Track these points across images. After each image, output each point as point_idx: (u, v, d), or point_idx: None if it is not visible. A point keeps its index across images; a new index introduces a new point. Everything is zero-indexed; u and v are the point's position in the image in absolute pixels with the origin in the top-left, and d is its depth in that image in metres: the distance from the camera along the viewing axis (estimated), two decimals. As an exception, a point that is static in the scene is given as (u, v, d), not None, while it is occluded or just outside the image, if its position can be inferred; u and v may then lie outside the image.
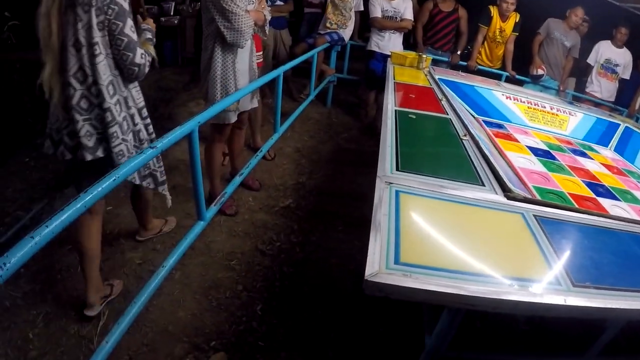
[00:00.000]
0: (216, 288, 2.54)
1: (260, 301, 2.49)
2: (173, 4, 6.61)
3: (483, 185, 1.71)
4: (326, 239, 3.07)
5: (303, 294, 2.58)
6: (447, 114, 2.60)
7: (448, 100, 2.89)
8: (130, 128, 2.09)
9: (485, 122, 3.64)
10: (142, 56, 1.98)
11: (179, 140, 1.92)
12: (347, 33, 5.14)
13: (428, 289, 1.09)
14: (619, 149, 4.23)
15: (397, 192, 1.49)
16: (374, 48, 5.05)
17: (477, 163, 1.91)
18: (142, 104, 2.20)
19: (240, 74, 2.86)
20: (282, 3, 4.90)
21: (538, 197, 2.29)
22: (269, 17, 2.96)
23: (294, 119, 3.86)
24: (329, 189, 3.74)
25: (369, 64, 5.10)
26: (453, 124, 2.41)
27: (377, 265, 1.12)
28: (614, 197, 2.80)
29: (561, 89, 5.60)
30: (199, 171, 2.18)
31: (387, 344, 2.32)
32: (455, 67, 5.24)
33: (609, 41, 5.57)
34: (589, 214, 1.74)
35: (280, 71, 3.29)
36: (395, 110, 2.41)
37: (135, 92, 2.14)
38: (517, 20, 5.23)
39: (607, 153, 4.08)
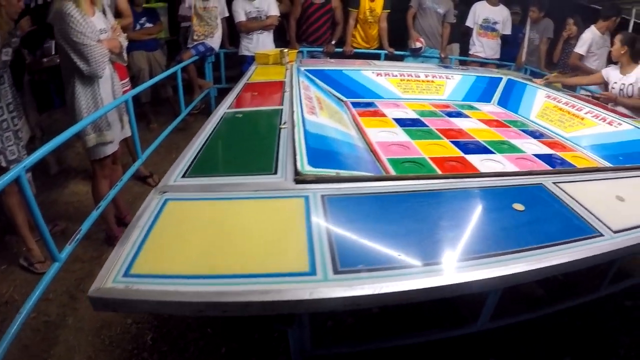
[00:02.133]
0: (107, 327, 2.46)
1: (150, 331, 2.43)
2: (53, 42, 6.21)
3: (275, 173, 1.54)
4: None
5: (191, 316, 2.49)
6: (282, 105, 2.42)
7: (291, 91, 2.72)
8: None
9: (353, 103, 3.55)
10: None
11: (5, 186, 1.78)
12: (215, 42, 4.95)
13: (147, 299, 0.98)
14: (502, 102, 4.25)
15: (165, 201, 1.32)
16: (245, 52, 4.89)
17: (282, 150, 1.74)
18: (10, 100, 2.74)
19: (105, 104, 2.78)
20: (150, 25, 4.76)
21: (392, 172, 2.17)
22: (125, 44, 2.93)
23: (160, 142, 3.60)
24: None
25: (242, 69, 4.84)
26: (280, 115, 2.24)
27: (103, 281, 1.01)
28: (487, 151, 2.78)
29: (443, 56, 5.58)
30: (38, 213, 2.02)
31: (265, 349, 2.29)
32: (332, 56, 5.08)
33: (484, 1, 5.60)
34: (389, 179, 1.67)
35: (129, 95, 3.09)
36: (225, 112, 2.23)
37: (4, 91, 2.69)
38: (386, -3, 5.13)
39: (490, 108, 4.08)
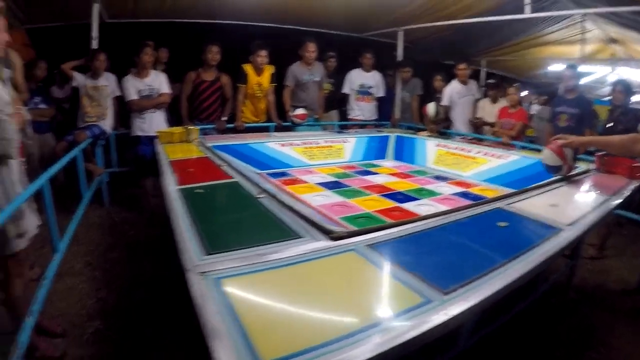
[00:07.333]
0: None
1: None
2: None
3: (302, 237, 1.58)
4: (154, 349, 2.63)
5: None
6: (234, 178, 2.46)
7: (229, 164, 2.74)
8: None
9: (269, 174, 3.67)
10: None
11: None
12: (107, 124, 4.78)
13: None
14: (397, 156, 4.62)
15: (216, 280, 1.23)
16: (138, 133, 4.72)
17: (284, 217, 1.78)
18: None
19: (18, 187, 2.32)
20: (45, 106, 4.53)
21: (354, 227, 2.25)
22: (28, 117, 2.65)
23: (73, 231, 3.32)
24: (136, 293, 3.26)
25: (137, 151, 4.73)
26: (243, 186, 2.28)
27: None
28: (414, 199, 3.01)
29: (317, 117, 5.76)
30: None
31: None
32: (223, 132, 5.03)
33: (359, 68, 6.13)
34: (405, 223, 1.78)
35: (44, 178, 2.69)
36: (179, 190, 2.16)
37: None
38: (272, 72, 5.30)
39: (389, 163, 4.42)
